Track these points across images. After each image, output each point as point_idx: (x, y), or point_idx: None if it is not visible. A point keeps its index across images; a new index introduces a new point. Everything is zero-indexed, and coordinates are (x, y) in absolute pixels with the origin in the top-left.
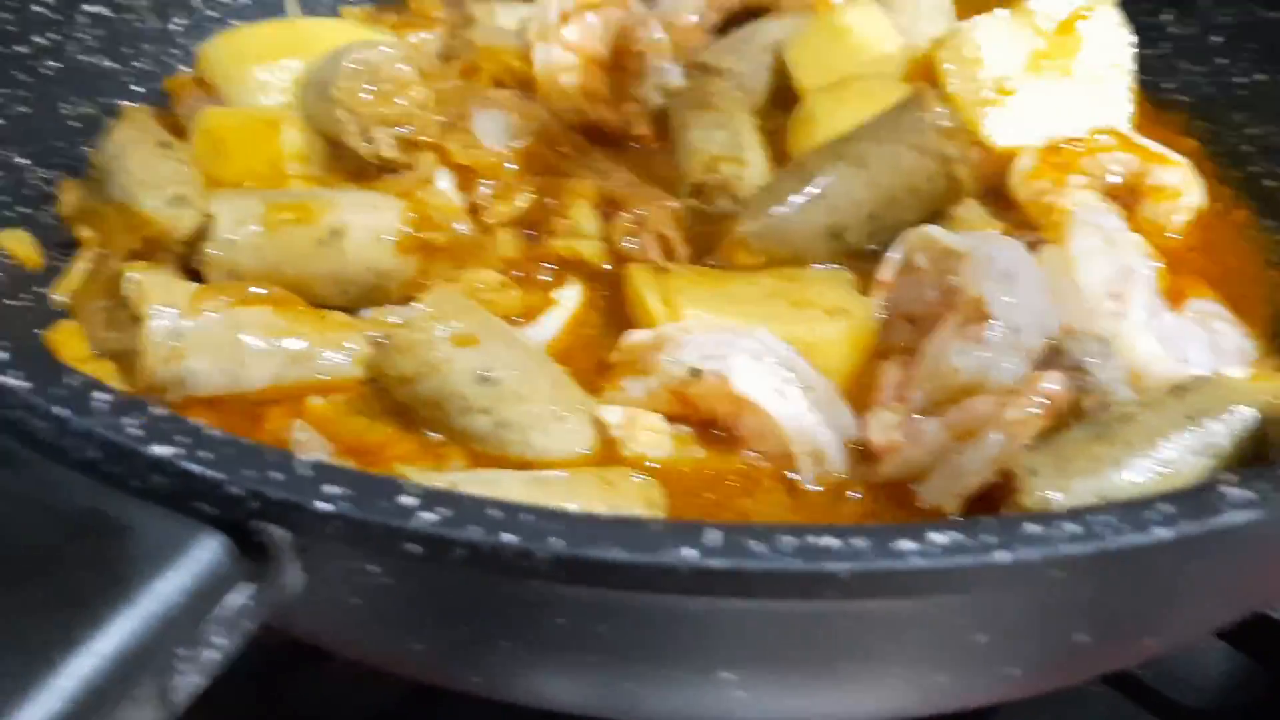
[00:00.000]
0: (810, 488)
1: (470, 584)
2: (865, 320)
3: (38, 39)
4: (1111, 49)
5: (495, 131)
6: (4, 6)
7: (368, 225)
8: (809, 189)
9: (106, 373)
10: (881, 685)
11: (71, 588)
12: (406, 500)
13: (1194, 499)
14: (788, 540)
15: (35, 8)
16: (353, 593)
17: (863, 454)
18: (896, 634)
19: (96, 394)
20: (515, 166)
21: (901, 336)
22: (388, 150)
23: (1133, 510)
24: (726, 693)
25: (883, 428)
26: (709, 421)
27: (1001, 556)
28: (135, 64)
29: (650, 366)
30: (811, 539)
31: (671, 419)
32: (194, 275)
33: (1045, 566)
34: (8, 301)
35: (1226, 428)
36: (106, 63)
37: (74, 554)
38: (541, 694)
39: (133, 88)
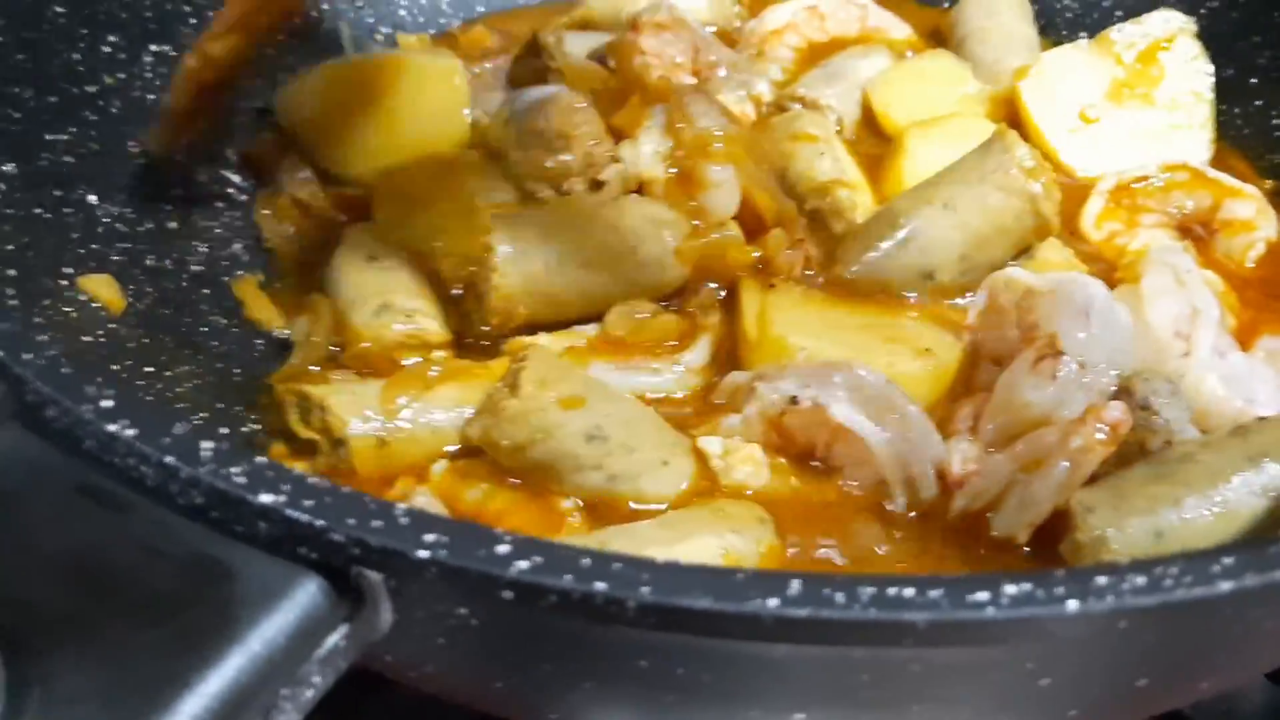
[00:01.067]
0: (901, 512)
1: (558, 628)
2: (949, 362)
3: (106, 79)
4: (1193, 78)
5: None
6: (74, 48)
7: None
8: (901, 233)
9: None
10: None
11: (182, 630)
12: (501, 549)
13: (1258, 551)
14: (866, 590)
15: (104, 48)
16: (441, 633)
17: (940, 484)
18: (967, 678)
19: (204, 443)
20: None
21: (986, 377)
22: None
23: (1198, 562)
24: None
25: (962, 458)
26: (806, 454)
27: (1072, 607)
28: None
29: (749, 396)
30: (890, 590)
31: (769, 450)
32: None
33: (1113, 617)
34: (85, 339)
35: None
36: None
37: (184, 597)
38: None
39: None
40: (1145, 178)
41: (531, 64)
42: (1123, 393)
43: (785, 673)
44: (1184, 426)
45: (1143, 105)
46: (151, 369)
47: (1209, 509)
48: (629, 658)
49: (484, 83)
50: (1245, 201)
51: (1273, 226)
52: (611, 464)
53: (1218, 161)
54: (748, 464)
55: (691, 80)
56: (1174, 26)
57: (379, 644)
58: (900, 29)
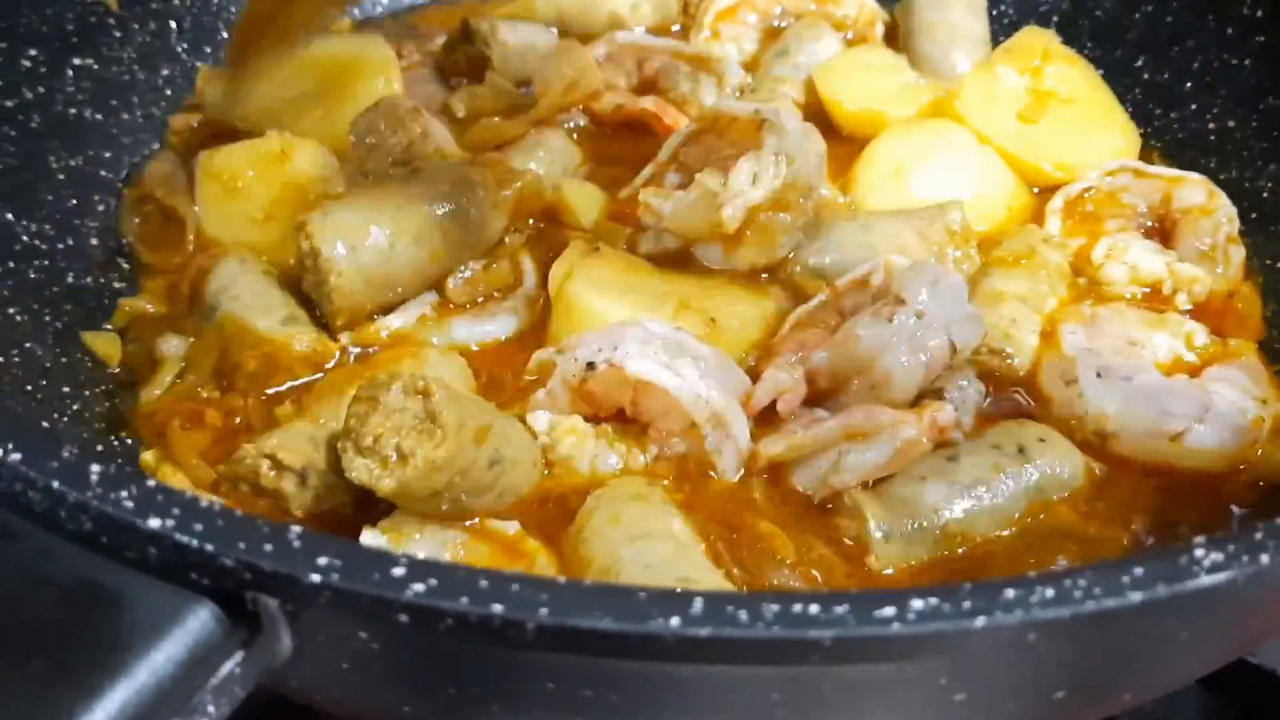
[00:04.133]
0: (730, 479)
1: (459, 650)
2: (736, 338)
3: (26, 93)
4: (1083, 76)
5: None
6: None
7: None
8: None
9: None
10: None
11: (68, 660)
12: (397, 571)
13: (1168, 561)
14: (770, 608)
15: (24, 62)
16: (342, 657)
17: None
18: (880, 695)
19: (93, 466)
20: None
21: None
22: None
23: (1107, 573)
24: None
25: (774, 385)
26: (619, 416)
27: (980, 622)
28: (124, 116)
29: (550, 371)
30: (795, 606)
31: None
32: None
33: (1021, 630)
34: None
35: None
36: (96, 115)
37: (70, 625)
38: None
39: (124, 139)
40: (1090, 187)
41: (464, 51)
42: (930, 392)
43: (694, 692)
44: (967, 418)
45: (1063, 106)
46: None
47: (967, 505)
48: (534, 679)
49: (415, 74)
50: (1193, 187)
51: (1228, 204)
52: (503, 482)
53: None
54: (570, 435)
55: (648, 100)
56: (1040, 43)
57: (280, 670)
58: (855, 1)
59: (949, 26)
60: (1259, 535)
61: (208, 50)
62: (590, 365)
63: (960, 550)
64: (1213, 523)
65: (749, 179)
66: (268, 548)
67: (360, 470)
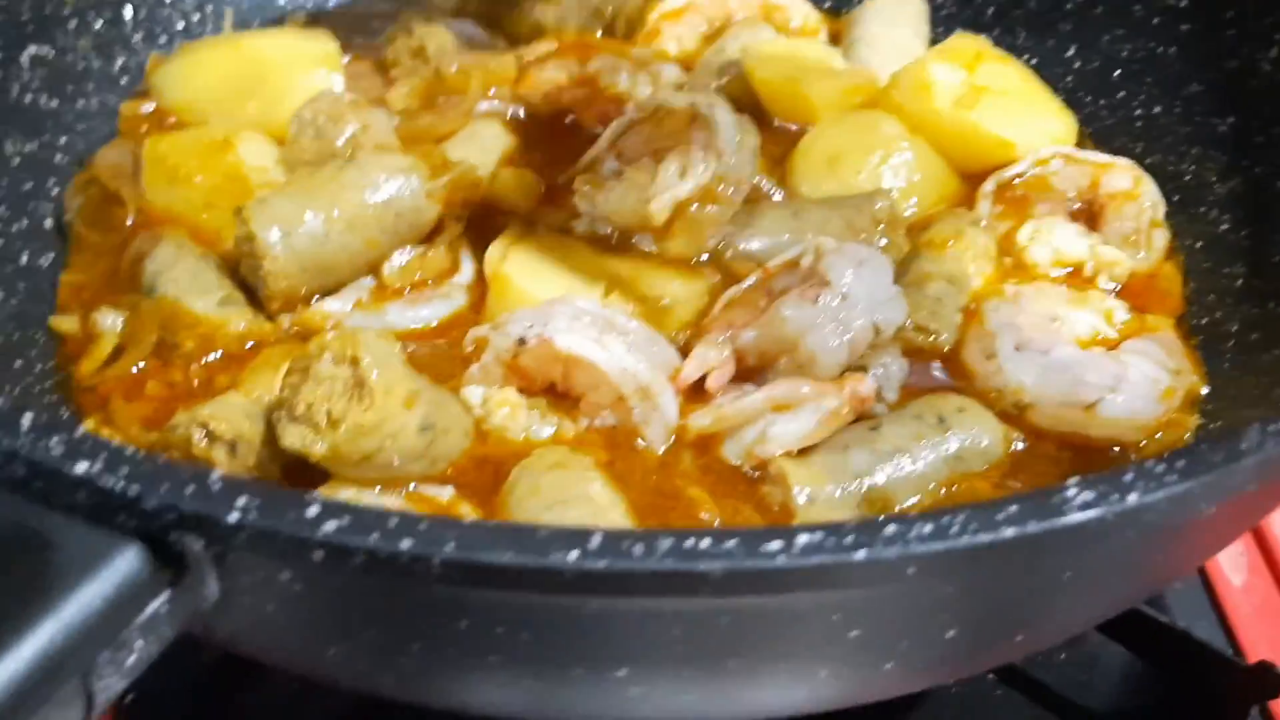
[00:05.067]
0: (658, 450)
1: (376, 590)
2: (669, 317)
3: None
4: (1014, 71)
5: None
6: None
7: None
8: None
9: None
10: (769, 682)
11: None
12: (311, 511)
13: (1042, 499)
14: (664, 542)
15: None
16: (267, 599)
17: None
18: (777, 631)
19: (25, 416)
20: None
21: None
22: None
23: (983, 511)
24: (623, 691)
25: (701, 361)
26: (550, 390)
27: (860, 555)
28: (80, 103)
29: (484, 347)
30: (687, 541)
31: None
32: None
33: (901, 563)
34: None
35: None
36: (51, 103)
37: (1, 567)
38: (451, 696)
39: (78, 126)
40: (1022, 172)
41: (404, 45)
42: (855, 368)
43: (599, 629)
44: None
45: (998, 96)
46: None
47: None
48: (448, 618)
49: (355, 69)
50: (1120, 173)
51: (1153, 190)
52: (434, 449)
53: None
54: (503, 406)
55: (579, 91)
56: (972, 46)
57: (211, 613)
58: (801, 9)
59: (893, 42)
60: (1129, 476)
61: (163, 40)
62: (521, 340)
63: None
64: None
65: (677, 173)
66: (189, 490)
67: (293, 437)
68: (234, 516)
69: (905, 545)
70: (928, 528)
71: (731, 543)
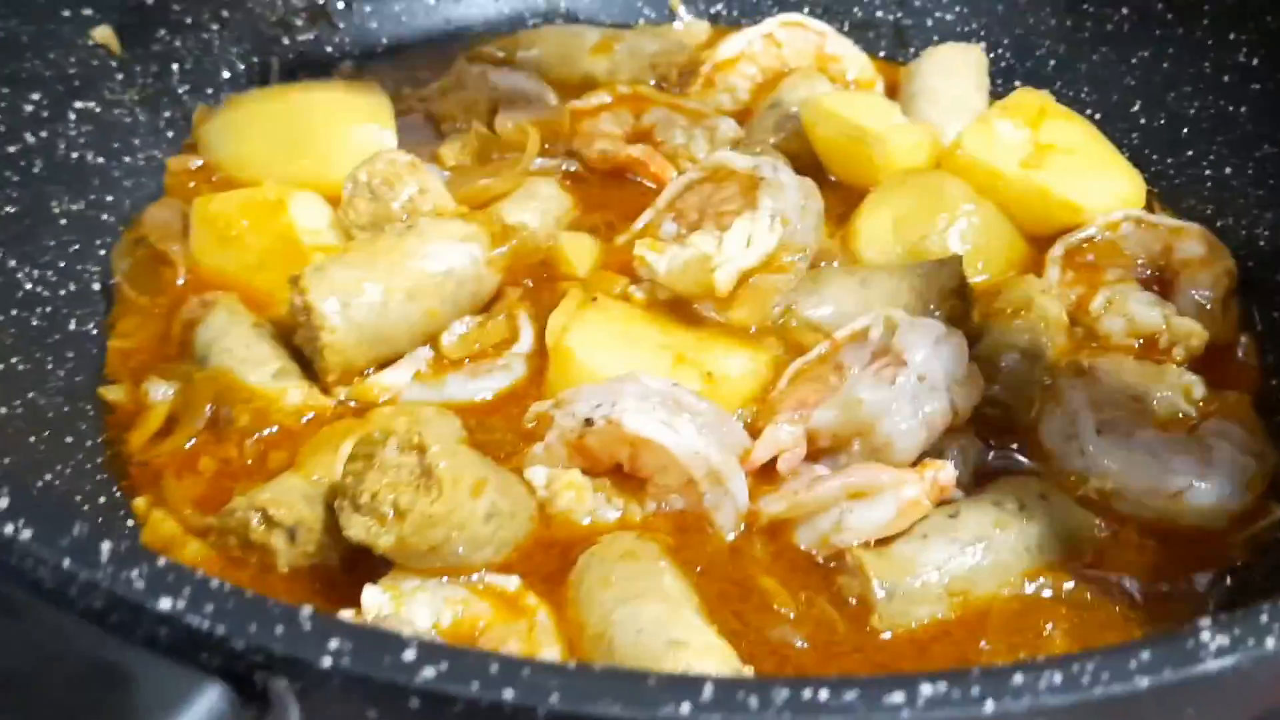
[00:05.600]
0: (728, 535)
1: None
2: (735, 388)
3: (29, 138)
4: (1078, 129)
5: None
6: None
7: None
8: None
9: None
10: None
11: None
12: (408, 655)
13: (1174, 645)
14: (781, 693)
15: (26, 107)
16: None
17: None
18: None
19: (104, 544)
20: None
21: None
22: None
23: (1115, 657)
24: None
25: (774, 443)
26: (617, 470)
27: (989, 708)
28: (127, 159)
29: (548, 424)
30: (805, 692)
31: (586, 473)
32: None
33: (1030, 716)
34: None
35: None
36: (98, 159)
37: (81, 705)
38: None
39: (125, 183)
40: (1091, 235)
41: (457, 97)
42: (929, 450)
43: None
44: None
45: (1064, 155)
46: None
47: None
48: None
49: (409, 121)
50: (1194, 238)
51: (1228, 258)
52: (500, 535)
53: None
54: (569, 489)
55: (636, 149)
56: (1036, 101)
57: None
58: (857, 60)
59: (953, 96)
60: (1264, 618)
61: (209, 91)
62: (588, 421)
63: (955, 615)
64: (1211, 582)
65: (743, 242)
66: (279, 630)
67: (358, 528)
68: (327, 661)
69: (1035, 697)
70: (1057, 678)
71: (851, 695)
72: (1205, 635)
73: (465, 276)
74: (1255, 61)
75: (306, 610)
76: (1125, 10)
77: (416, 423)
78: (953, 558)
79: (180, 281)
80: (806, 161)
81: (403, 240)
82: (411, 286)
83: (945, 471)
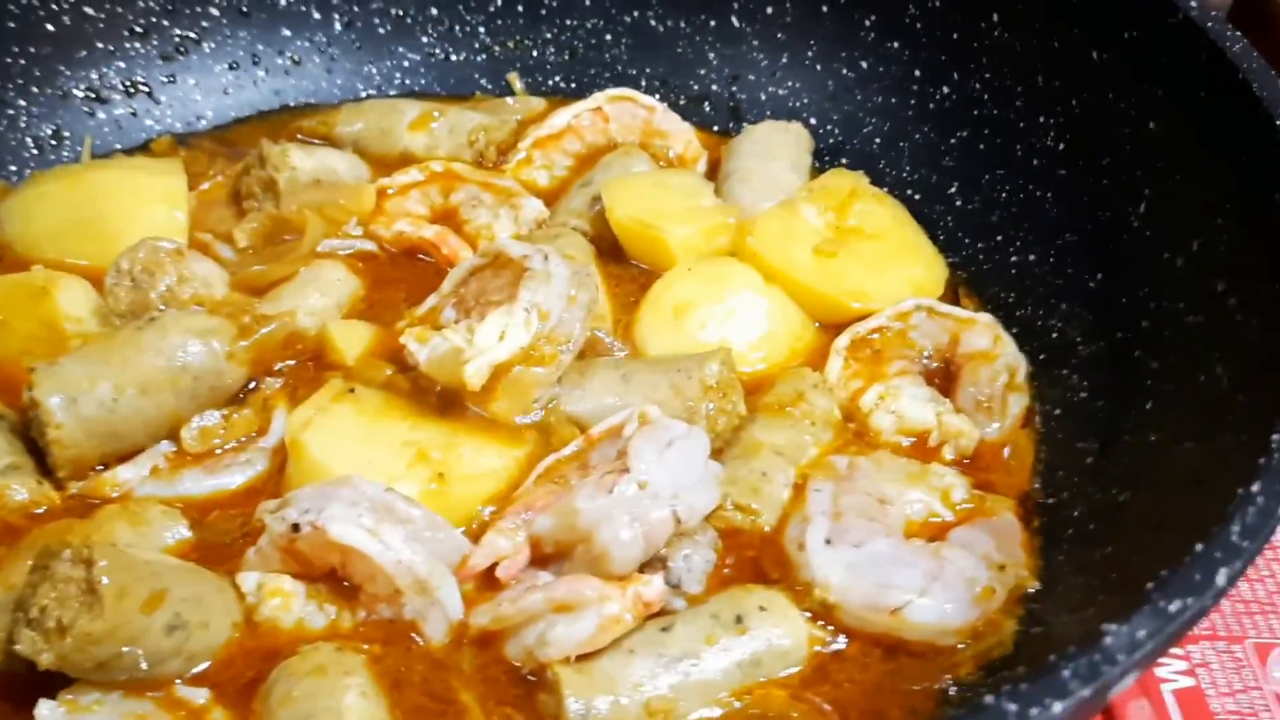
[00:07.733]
0: (437, 645)
1: None
2: (466, 490)
3: None
4: (889, 213)
5: None
6: None
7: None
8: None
9: None
10: None
11: None
12: None
13: None
14: None
15: None
16: None
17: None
18: None
19: None
20: None
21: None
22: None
23: None
24: None
25: (492, 550)
26: (332, 575)
27: None
28: None
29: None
30: None
31: (299, 578)
32: None
33: None
34: None
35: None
36: None
37: None
38: None
39: None
40: (881, 326)
41: (258, 176)
42: (656, 560)
43: None
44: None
45: (866, 241)
46: None
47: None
48: None
49: (211, 198)
50: (981, 331)
51: (1012, 352)
52: (191, 646)
53: (950, 297)
54: (275, 596)
55: (430, 230)
56: (846, 184)
57: None
58: (683, 136)
59: (768, 177)
60: None
61: (13, 168)
62: (295, 527)
63: None
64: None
65: (496, 335)
66: None
67: (26, 642)
68: None
69: None
70: None
71: None
72: None
73: (204, 370)
74: (1061, 146)
75: None
76: (946, 89)
77: (88, 537)
78: (656, 675)
79: None
80: (611, 243)
81: (140, 335)
82: (144, 381)
83: (650, 587)
